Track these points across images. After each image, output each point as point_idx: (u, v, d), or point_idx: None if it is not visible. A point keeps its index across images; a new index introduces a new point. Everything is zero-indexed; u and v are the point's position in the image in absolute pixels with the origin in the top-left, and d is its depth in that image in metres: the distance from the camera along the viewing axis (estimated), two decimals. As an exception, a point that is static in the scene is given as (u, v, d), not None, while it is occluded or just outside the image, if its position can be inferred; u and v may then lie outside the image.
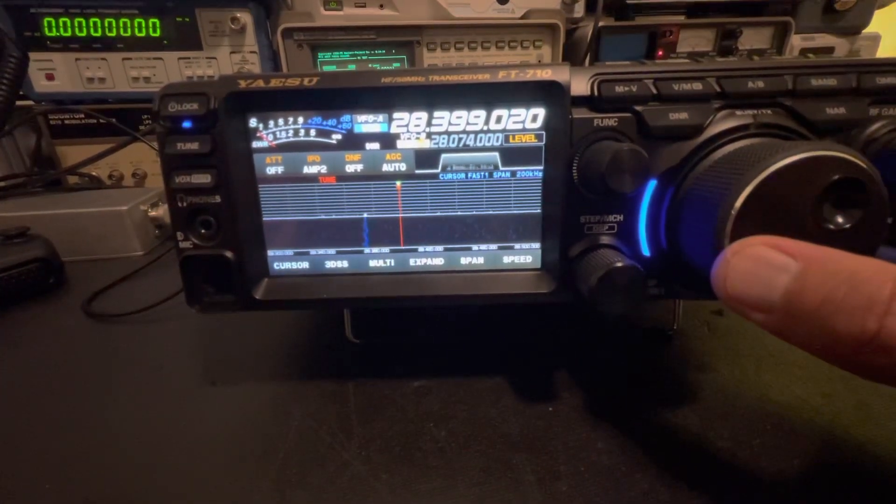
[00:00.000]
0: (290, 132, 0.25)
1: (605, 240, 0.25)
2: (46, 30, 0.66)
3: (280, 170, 0.26)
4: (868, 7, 0.81)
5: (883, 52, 0.87)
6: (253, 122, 0.25)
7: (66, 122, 0.70)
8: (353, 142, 0.25)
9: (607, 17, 0.78)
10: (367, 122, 0.25)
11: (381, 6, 0.73)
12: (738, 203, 0.19)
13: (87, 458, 0.25)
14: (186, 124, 0.23)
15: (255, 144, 0.25)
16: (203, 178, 0.24)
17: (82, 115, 0.69)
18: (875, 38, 0.85)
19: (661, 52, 0.79)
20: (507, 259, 0.27)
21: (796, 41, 0.80)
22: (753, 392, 0.28)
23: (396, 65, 0.74)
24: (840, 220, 0.19)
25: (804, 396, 0.27)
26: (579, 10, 0.77)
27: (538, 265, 0.27)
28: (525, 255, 0.27)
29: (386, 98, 0.24)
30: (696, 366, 0.31)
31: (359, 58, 0.73)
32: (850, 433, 0.25)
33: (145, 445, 0.25)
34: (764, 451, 0.24)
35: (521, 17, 0.74)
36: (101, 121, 0.66)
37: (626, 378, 0.30)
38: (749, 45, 0.79)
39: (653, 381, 0.30)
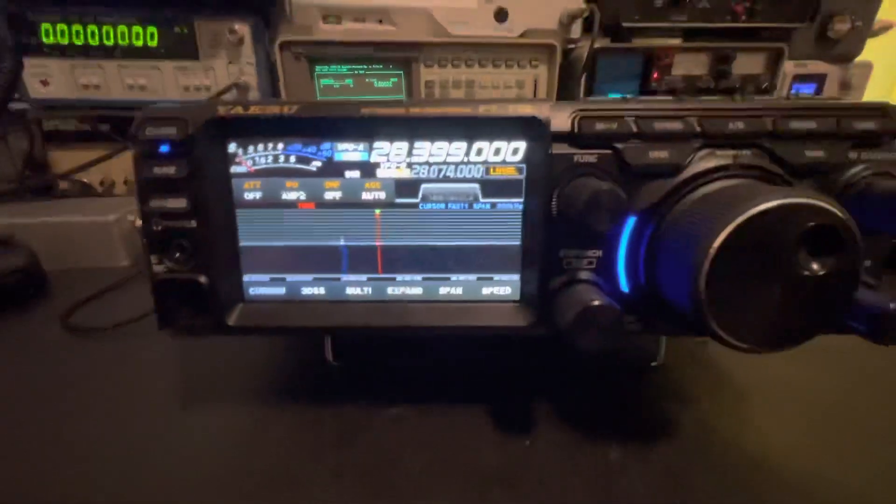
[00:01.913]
0: (270, 158, 0.25)
1: (583, 275, 0.25)
2: (44, 36, 0.66)
3: (258, 195, 0.25)
4: (860, 36, 0.82)
5: (875, 80, 0.88)
6: (232, 148, 0.25)
7: (60, 127, 0.70)
8: (333, 169, 0.25)
9: (604, 38, 0.78)
10: (348, 151, 0.25)
11: (381, 21, 0.74)
12: (715, 245, 0.19)
13: (51, 481, 0.24)
14: (164, 148, 0.23)
15: (234, 169, 0.25)
16: (179, 203, 0.23)
17: (76, 121, 0.69)
18: (867, 67, 0.86)
19: (656, 75, 0.79)
20: (486, 290, 0.27)
21: (789, 67, 0.81)
22: (734, 427, 0.28)
23: (394, 80, 0.75)
24: (815, 267, 0.19)
25: (786, 433, 0.27)
26: (576, 30, 0.78)
27: (517, 297, 0.27)
28: (504, 286, 0.27)
29: (367, 127, 0.24)
30: (679, 398, 0.30)
31: (356, 72, 0.74)
32: (834, 477, 0.24)
33: (111, 471, 0.25)
34: (745, 491, 0.23)
35: (519, 37, 0.74)
36: (94, 128, 0.66)
37: (607, 411, 0.30)
38: (743, 70, 0.80)
39: (633, 414, 0.29)
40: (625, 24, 0.77)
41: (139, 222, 0.56)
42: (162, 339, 0.37)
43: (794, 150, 0.23)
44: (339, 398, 0.30)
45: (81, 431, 0.28)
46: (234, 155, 0.25)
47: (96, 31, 0.66)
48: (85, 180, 0.69)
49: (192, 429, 0.28)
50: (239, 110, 0.23)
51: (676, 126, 0.23)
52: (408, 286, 0.27)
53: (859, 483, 0.24)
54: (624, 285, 0.25)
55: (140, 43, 0.68)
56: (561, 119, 0.23)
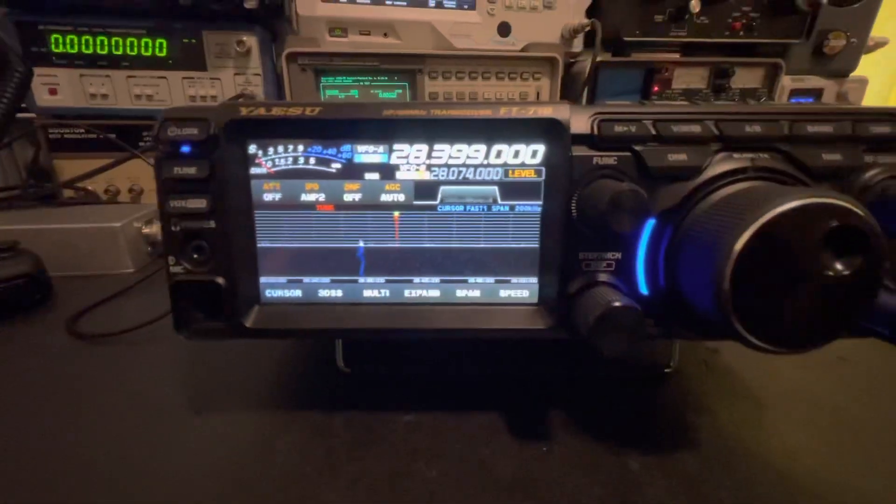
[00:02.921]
0: (290, 160, 0.25)
1: (602, 277, 0.25)
2: (53, 46, 0.66)
3: (277, 197, 0.25)
4: (855, 52, 0.84)
5: (870, 95, 0.90)
6: (252, 149, 0.25)
7: (66, 136, 0.70)
8: (353, 171, 0.25)
9: (605, 52, 0.80)
10: (368, 153, 0.25)
11: (386, 34, 0.75)
12: (739, 246, 0.19)
13: (56, 487, 0.23)
14: (185, 149, 0.23)
15: (254, 171, 0.25)
16: (198, 203, 0.23)
17: (82, 130, 0.69)
18: (862, 82, 0.88)
19: (656, 88, 0.81)
20: (504, 293, 0.27)
21: (787, 82, 0.83)
22: (753, 437, 0.27)
23: (398, 91, 0.75)
24: (839, 267, 0.19)
25: (807, 444, 0.27)
26: (578, 44, 0.79)
27: (535, 300, 0.27)
28: (522, 289, 0.27)
29: (387, 129, 0.24)
30: (695, 407, 0.30)
31: (361, 83, 0.74)
32: (857, 486, 0.24)
33: (120, 479, 0.24)
34: None
35: (522, 50, 0.76)
36: (101, 136, 0.66)
37: (623, 418, 0.29)
38: (742, 84, 0.81)
39: (650, 422, 0.29)
40: (626, 39, 0.78)
41: (145, 229, 0.56)
42: (168, 345, 0.37)
43: (811, 153, 0.23)
44: (351, 406, 0.30)
45: (87, 437, 0.27)
46: (254, 156, 0.25)
47: (105, 41, 0.67)
48: (90, 188, 0.69)
49: (200, 436, 0.27)
50: (261, 111, 0.23)
51: (694, 129, 0.23)
52: (425, 289, 0.27)
53: (886, 492, 0.24)
54: (643, 288, 0.25)
55: (149, 53, 0.69)
56: (580, 122, 0.24)
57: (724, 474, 0.24)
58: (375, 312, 0.26)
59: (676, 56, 0.82)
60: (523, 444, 0.27)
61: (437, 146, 0.25)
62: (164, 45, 0.69)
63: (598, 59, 0.75)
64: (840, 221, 0.19)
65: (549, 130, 0.24)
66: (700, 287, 0.21)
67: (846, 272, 0.19)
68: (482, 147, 0.25)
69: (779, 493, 0.23)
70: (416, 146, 0.25)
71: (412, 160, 0.25)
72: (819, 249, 0.19)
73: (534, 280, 0.27)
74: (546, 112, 0.23)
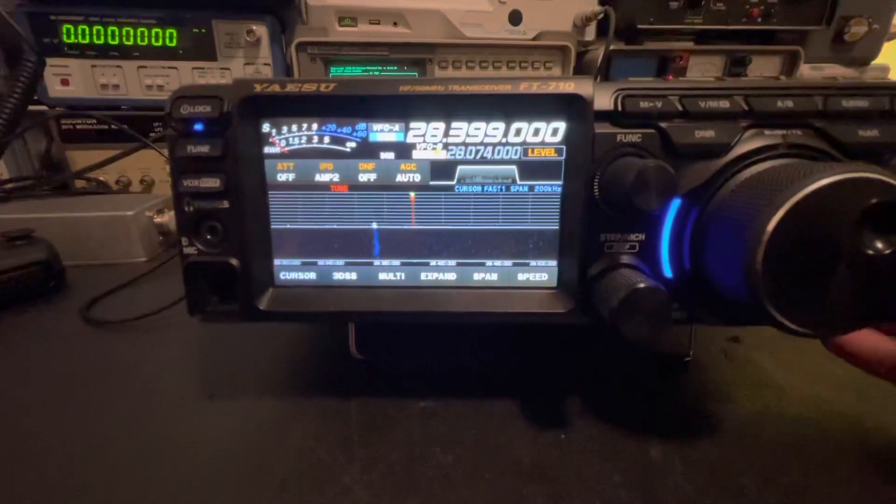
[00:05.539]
0: (304, 139, 0.24)
1: (625, 259, 0.24)
2: (65, 36, 0.66)
3: (291, 177, 0.25)
4: (877, 39, 0.82)
5: (892, 83, 0.87)
6: (266, 128, 0.24)
7: (78, 126, 0.70)
8: (368, 150, 0.25)
9: (618, 40, 0.78)
10: (383, 131, 0.24)
11: (395, 24, 0.74)
12: (771, 226, 0.18)
13: (73, 473, 0.23)
14: (198, 127, 0.23)
15: (267, 150, 0.25)
16: (212, 183, 0.23)
17: (94, 121, 0.69)
18: (884, 70, 0.85)
19: (670, 77, 0.79)
20: (522, 276, 0.26)
21: (805, 70, 0.81)
22: (777, 425, 0.27)
23: (408, 81, 0.75)
24: (880, 245, 0.18)
25: (834, 432, 0.26)
26: (590, 33, 0.78)
27: (554, 283, 0.26)
28: (541, 272, 0.26)
29: (403, 107, 0.24)
30: (715, 395, 0.29)
31: (371, 73, 0.74)
32: (890, 473, 0.23)
33: (136, 463, 0.24)
34: (793, 492, 0.22)
35: (533, 39, 0.75)
36: (113, 127, 0.67)
37: (642, 406, 0.29)
38: (758, 73, 0.79)
39: (670, 410, 0.28)
40: (639, 26, 0.77)
41: (157, 218, 0.56)
42: (181, 332, 0.37)
43: (846, 129, 0.22)
44: (365, 392, 0.29)
45: (102, 422, 0.27)
46: (268, 135, 0.24)
47: (116, 31, 0.67)
48: (101, 178, 0.69)
49: (215, 421, 0.27)
50: (275, 88, 0.22)
51: (723, 105, 0.22)
52: (441, 272, 0.26)
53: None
54: (668, 270, 0.24)
55: (159, 44, 0.69)
56: (603, 97, 0.23)
57: (746, 462, 0.24)
58: (391, 295, 0.26)
59: (691, 44, 0.80)
60: (541, 431, 0.26)
61: (454, 124, 0.24)
62: (175, 35, 0.69)
63: (611, 47, 0.73)
64: (880, 197, 0.18)
65: (570, 107, 0.23)
66: (729, 269, 0.21)
67: (887, 251, 0.18)
68: (501, 125, 0.24)
69: (802, 482, 0.23)
70: (433, 124, 0.24)
71: (429, 139, 0.24)
72: (857, 227, 0.18)
73: (553, 263, 0.26)
74: (568, 87, 0.22)
